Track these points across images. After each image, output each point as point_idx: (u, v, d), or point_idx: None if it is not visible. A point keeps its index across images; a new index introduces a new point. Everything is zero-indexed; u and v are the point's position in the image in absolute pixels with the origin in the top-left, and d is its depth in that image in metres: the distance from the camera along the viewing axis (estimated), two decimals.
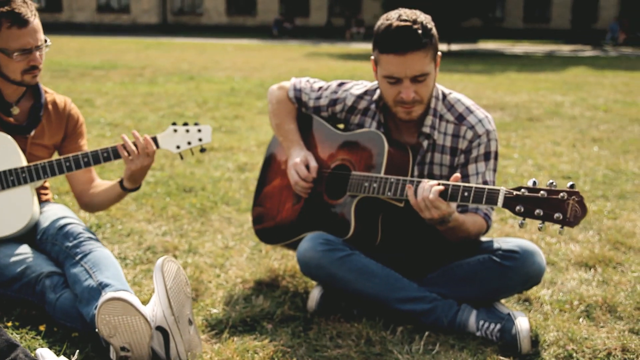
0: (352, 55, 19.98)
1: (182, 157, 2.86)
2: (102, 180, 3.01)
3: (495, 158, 2.66)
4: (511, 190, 2.22)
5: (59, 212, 2.77)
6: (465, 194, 2.30)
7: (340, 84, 2.87)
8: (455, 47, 24.77)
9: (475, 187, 2.29)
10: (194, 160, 5.32)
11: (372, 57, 2.61)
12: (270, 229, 2.96)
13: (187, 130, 2.76)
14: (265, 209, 3.01)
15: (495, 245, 2.61)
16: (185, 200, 4.24)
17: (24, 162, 2.67)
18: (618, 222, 3.95)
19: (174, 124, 2.77)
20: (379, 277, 2.56)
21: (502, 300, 2.67)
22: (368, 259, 2.60)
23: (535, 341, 2.42)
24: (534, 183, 2.20)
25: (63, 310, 2.45)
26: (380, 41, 2.51)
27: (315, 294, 2.67)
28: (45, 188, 3.00)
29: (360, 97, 2.80)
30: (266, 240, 3.02)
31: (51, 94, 2.89)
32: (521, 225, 2.20)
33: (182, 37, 30.37)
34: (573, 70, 15.89)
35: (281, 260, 3.25)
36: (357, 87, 2.83)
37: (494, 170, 2.66)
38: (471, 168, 2.63)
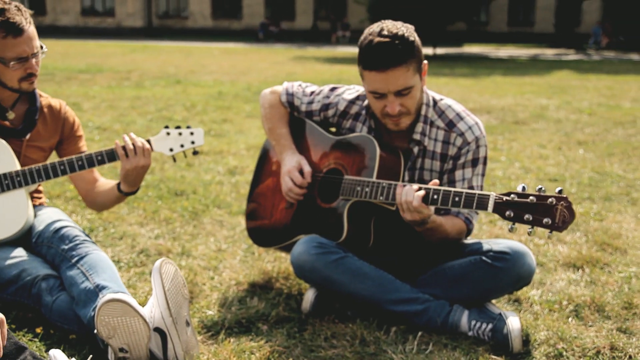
0: (338, 59, 20.02)
1: (174, 160, 2.89)
2: (106, 180, 3.03)
3: (484, 163, 2.69)
4: (501, 196, 2.26)
5: (54, 215, 2.79)
6: (456, 199, 2.34)
7: (333, 89, 2.90)
8: (440, 50, 24.89)
9: (466, 193, 2.32)
10: (184, 164, 5.34)
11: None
12: (263, 230, 2.99)
13: (180, 133, 2.79)
14: (259, 206, 3.03)
15: (486, 246, 2.64)
16: (177, 204, 4.25)
17: (17, 167, 2.69)
18: (604, 223, 4.01)
19: (166, 127, 2.80)
20: (372, 279, 2.59)
21: (493, 301, 2.71)
22: (361, 261, 2.63)
23: (526, 340, 2.47)
24: (523, 188, 2.24)
25: (60, 313, 2.46)
26: (362, 58, 2.53)
27: (309, 295, 2.70)
28: (39, 192, 3.02)
29: (352, 102, 2.82)
30: (259, 242, 3.04)
31: (46, 97, 2.90)
32: (511, 230, 2.25)
33: (168, 40, 30.27)
34: (557, 74, 16.03)
35: (274, 263, 3.28)
36: (349, 92, 2.86)
37: (483, 175, 2.69)
38: (458, 174, 2.67)
